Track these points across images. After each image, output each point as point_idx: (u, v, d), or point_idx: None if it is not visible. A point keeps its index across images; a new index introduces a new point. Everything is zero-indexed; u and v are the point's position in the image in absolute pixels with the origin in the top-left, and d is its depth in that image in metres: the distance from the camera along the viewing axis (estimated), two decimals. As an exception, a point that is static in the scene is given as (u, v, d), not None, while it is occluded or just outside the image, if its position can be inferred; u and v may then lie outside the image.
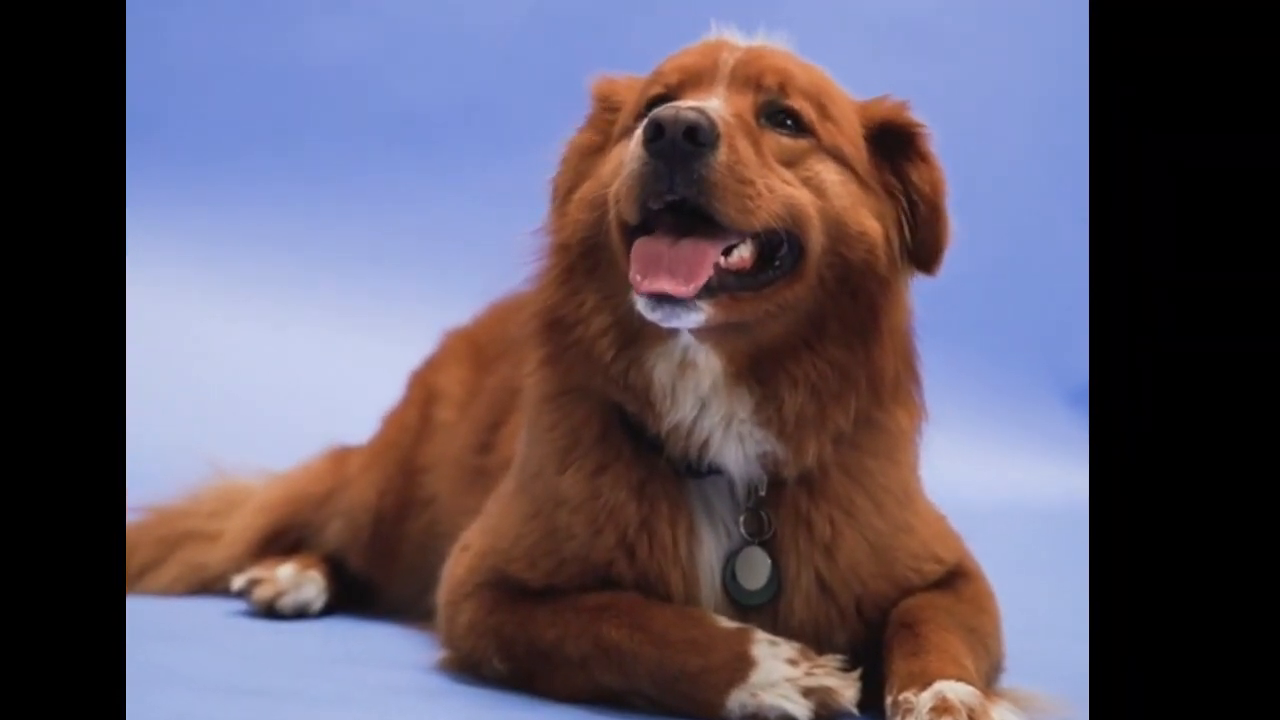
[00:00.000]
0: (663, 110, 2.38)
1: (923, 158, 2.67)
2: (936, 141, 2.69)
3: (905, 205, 2.65)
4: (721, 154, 2.37)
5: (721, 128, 2.39)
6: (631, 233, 2.48)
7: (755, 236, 2.46)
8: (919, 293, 2.73)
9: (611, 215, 2.51)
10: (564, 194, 2.71)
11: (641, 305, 2.42)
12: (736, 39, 2.69)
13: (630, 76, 2.77)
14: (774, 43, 2.71)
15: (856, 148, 2.63)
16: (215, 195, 6.42)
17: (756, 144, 2.48)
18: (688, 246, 2.40)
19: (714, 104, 2.47)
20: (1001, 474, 6.24)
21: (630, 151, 2.42)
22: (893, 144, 2.67)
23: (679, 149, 2.35)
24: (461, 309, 3.81)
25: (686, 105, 2.40)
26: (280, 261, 6.44)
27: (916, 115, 2.71)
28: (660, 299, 2.38)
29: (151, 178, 6.18)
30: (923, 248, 2.66)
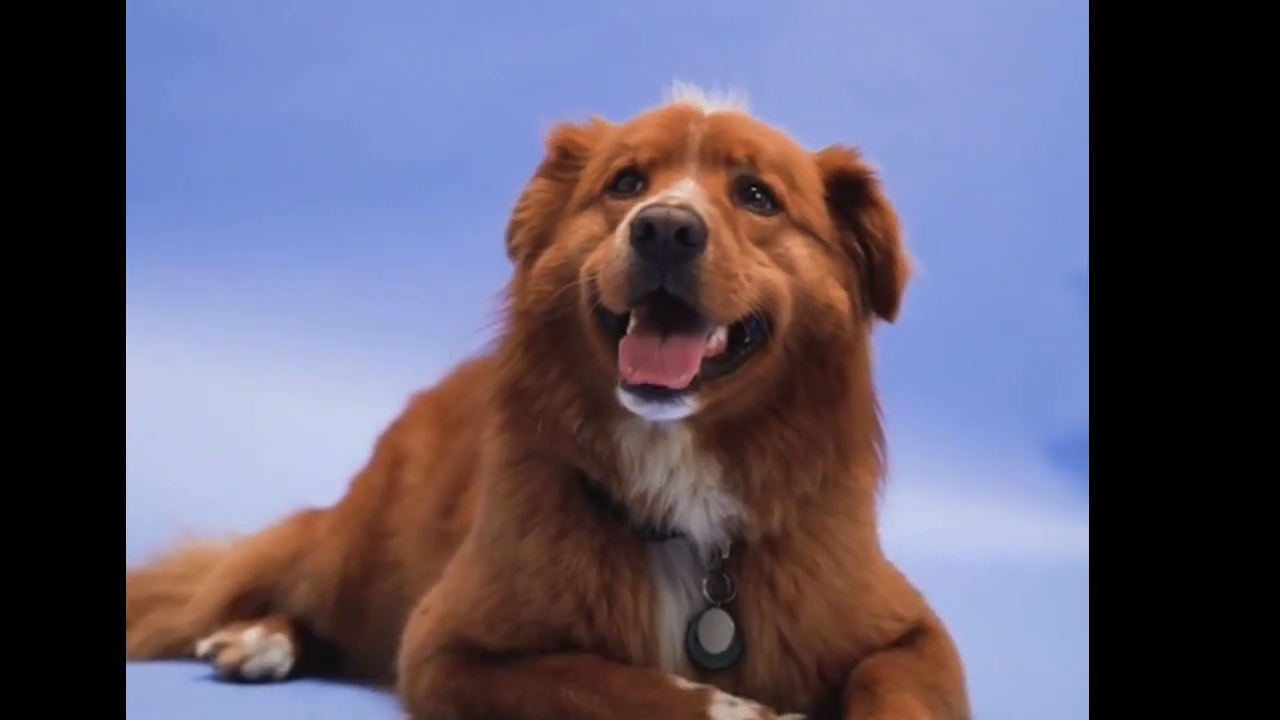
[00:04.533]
0: (652, 210, 2.38)
1: (875, 204, 2.70)
2: (888, 188, 2.72)
3: (863, 256, 2.68)
4: (710, 252, 2.39)
5: (709, 224, 2.40)
6: (604, 316, 2.50)
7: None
8: (900, 349, 2.75)
9: (584, 298, 2.52)
10: (524, 254, 2.71)
11: (628, 401, 2.44)
12: (700, 102, 2.71)
13: (588, 125, 2.76)
14: (737, 107, 2.73)
15: (820, 213, 2.66)
16: (186, 253, 6.41)
17: (734, 227, 2.50)
18: (676, 344, 2.43)
19: (689, 186, 2.49)
20: (980, 528, 6.24)
21: (615, 247, 2.42)
22: (847, 194, 2.70)
23: (670, 250, 2.37)
24: (433, 371, 3.82)
25: (674, 202, 2.40)
26: (250, 323, 6.42)
27: (867, 161, 2.73)
28: (649, 394, 2.41)
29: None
30: (881, 295, 2.69)
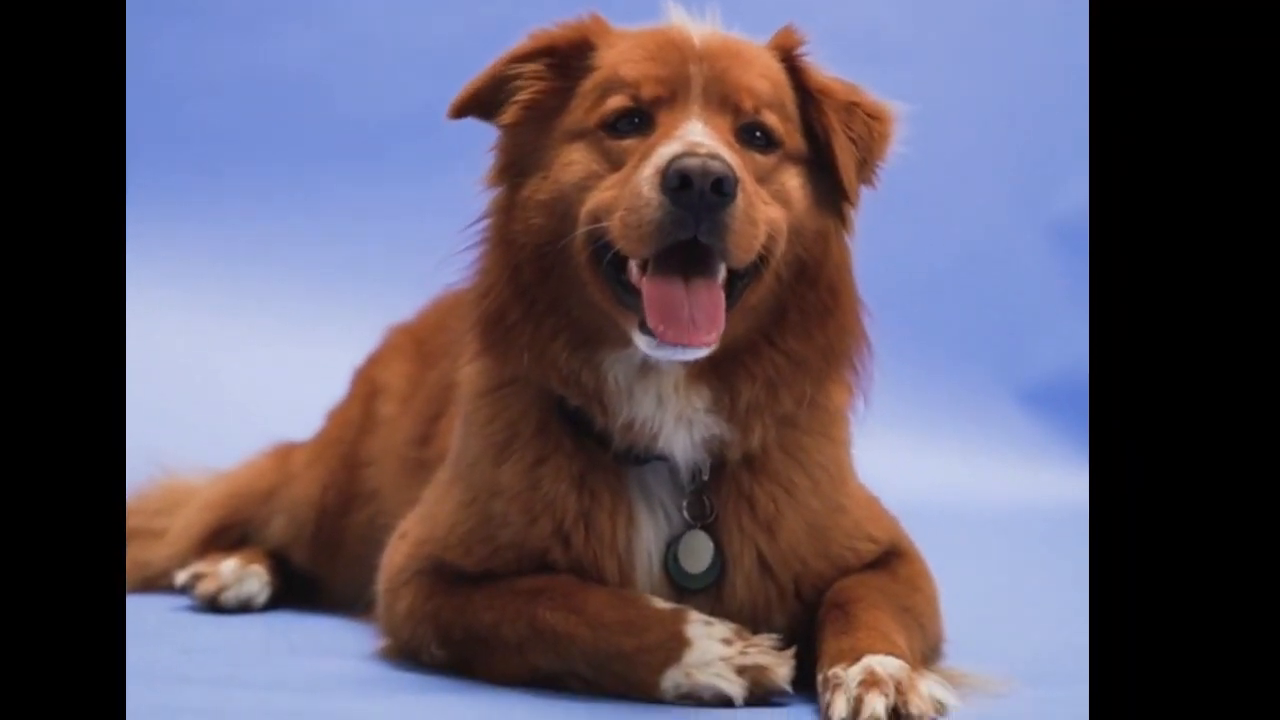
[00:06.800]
0: (688, 161, 2.38)
1: (810, 96, 2.69)
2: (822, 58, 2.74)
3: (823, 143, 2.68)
4: (740, 201, 2.41)
5: (740, 174, 2.42)
6: (601, 254, 2.49)
7: None
8: (876, 297, 2.75)
9: (582, 238, 2.51)
10: (510, 173, 2.68)
11: (648, 345, 2.45)
12: (692, 27, 2.68)
13: (567, 28, 2.71)
14: (727, 32, 2.71)
15: (800, 132, 2.67)
16: (167, 203, 6.39)
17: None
18: (702, 290, 2.45)
19: (701, 130, 2.49)
20: (955, 475, 6.26)
21: (643, 195, 2.41)
22: (796, 81, 2.71)
23: (707, 200, 2.38)
24: (407, 307, 3.82)
25: (705, 151, 2.41)
26: (227, 267, 6.42)
27: (800, 43, 2.73)
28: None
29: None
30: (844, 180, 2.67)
